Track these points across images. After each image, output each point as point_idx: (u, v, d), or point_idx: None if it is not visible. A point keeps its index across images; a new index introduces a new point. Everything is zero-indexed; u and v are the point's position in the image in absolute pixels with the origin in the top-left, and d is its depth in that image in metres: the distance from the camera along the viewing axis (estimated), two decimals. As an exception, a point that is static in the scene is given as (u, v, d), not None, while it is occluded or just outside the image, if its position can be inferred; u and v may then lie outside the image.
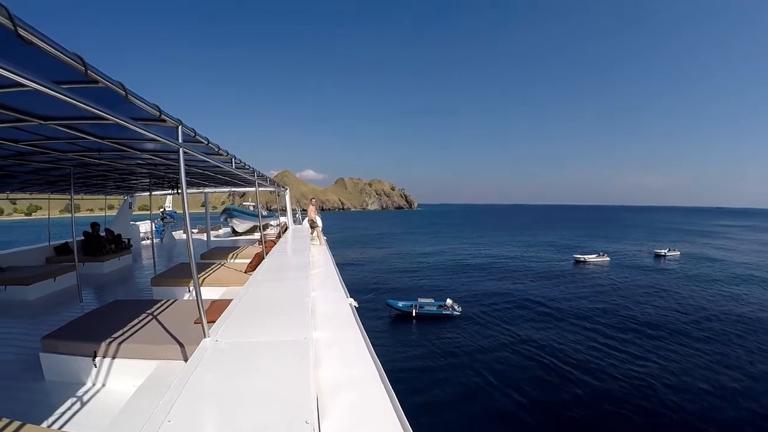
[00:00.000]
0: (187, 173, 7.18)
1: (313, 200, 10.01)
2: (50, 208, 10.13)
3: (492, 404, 13.05)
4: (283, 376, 1.95)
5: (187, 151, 3.00)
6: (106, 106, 1.68)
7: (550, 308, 23.78)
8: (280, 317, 3.00)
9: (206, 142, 3.42)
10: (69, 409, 2.84)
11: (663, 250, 46.08)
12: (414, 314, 21.47)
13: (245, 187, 11.50)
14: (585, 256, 41.23)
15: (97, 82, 1.68)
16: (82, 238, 9.39)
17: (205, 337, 2.42)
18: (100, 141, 3.63)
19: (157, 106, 2.27)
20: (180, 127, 2.64)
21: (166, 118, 2.43)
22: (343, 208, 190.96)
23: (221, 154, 4.22)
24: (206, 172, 6.99)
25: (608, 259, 41.00)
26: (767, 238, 69.00)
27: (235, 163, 4.92)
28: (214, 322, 2.81)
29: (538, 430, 11.66)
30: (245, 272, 6.01)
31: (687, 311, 23.57)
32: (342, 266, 6.71)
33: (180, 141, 2.60)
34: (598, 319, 21.89)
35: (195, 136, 3.06)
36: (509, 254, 48.12)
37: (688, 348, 18.02)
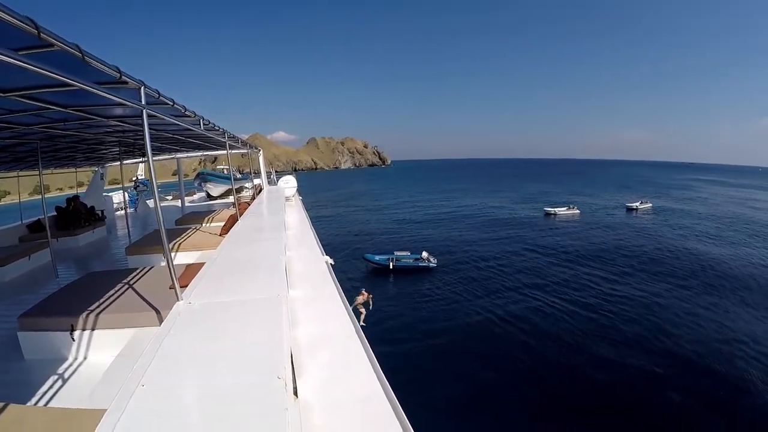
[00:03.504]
0: (156, 138, 6.95)
1: None
2: (20, 187, 9.83)
3: (469, 354, 13.71)
4: (256, 333, 1.96)
5: (153, 113, 2.91)
6: (65, 71, 1.64)
7: (520, 259, 24.87)
8: (254, 276, 2.98)
9: (171, 104, 3.32)
10: (51, 385, 2.84)
11: (634, 203, 46.33)
12: (391, 267, 22.10)
13: (217, 150, 11.24)
14: (555, 209, 42.06)
15: (52, 45, 1.63)
16: (55, 213, 9.19)
17: (178, 300, 2.38)
18: (64, 110, 3.48)
19: (117, 68, 2.19)
20: (142, 88, 2.55)
21: (128, 79, 2.35)
22: (315, 168, 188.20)
23: (188, 116, 4.10)
24: (176, 136, 6.79)
25: (578, 211, 42.05)
26: (733, 192, 71.25)
27: (204, 124, 4.81)
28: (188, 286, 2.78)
29: (516, 378, 12.46)
30: (220, 235, 6.03)
31: (658, 259, 24.92)
32: (317, 225, 6.83)
33: (143, 102, 2.53)
34: (565, 268, 23.03)
35: (159, 97, 2.96)
36: (480, 207, 49.10)
37: (659, 290, 19.38)
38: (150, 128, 5.23)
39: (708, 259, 24.75)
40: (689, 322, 15.95)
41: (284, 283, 2.61)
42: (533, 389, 11.87)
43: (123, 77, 2.28)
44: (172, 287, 2.45)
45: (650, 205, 46.77)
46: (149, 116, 2.83)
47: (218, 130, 5.99)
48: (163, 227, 2.65)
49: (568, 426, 10.46)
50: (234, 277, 3.00)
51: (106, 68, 2.08)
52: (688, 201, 55.70)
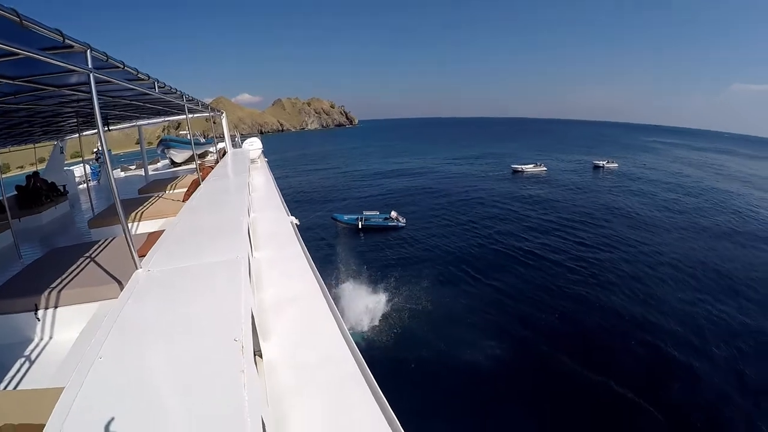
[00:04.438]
0: (113, 105, 6.66)
1: None
2: None
3: (438, 312, 14.19)
4: (215, 296, 1.93)
5: (103, 78, 2.84)
6: (6, 39, 1.60)
7: (488, 215, 25.68)
8: (215, 240, 2.93)
9: (122, 66, 3.19)
10: (19, 368, 2.76)
11: (602, 161, 47.42)
12: (360, 226, 22.41)
13: (179, 115, 10.84)
14: (522, 166, 42.67)
15: None
16: (15, 193, 8.81)
17: (137, 269, 2.33)
18: (13, 82, 3.28)
19: (59, 31, 2.10)
20: (89, 51, 2.46)
21: (72, 43, 2.26)
22: (282, 130, 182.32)
23: (142, 78, 3.94)
24: (133, 102, 6.53)
25: (545, 168, 42.92)
26: (698, 155, 73.61)
27: (159, 87, 4.65)
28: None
29: (487, 335, 13.01)
30: (183, 201, 5.97)
31: (622, 214, 26.16)
32: (284, 186, 6.88)
33: (89, 66, 2.45)
34: (531, 222, 24.01)
35: (108, 60, 2.85)
36: (449, 165, 49.43)
37: (619, 243, 20.76)
38: (104, 95, 5.00)
39: (671, 216, 26.29)
40: (648, 274, 17.37)
41: (245, 245, 2.61)
42: (505, 348, 12.40)
43: (67, 41, 2.19)
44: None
45: (616, 165, 47.92)
46: (101, 82, 2.71)
47: (176, 93, 5.81)
48: (117, 197, 2.64)
49: (544, 384, 11.23)
50: (194, 241, 2.98)
51: (48, 32, 1.98)
52: (653, 161, 57.16)
